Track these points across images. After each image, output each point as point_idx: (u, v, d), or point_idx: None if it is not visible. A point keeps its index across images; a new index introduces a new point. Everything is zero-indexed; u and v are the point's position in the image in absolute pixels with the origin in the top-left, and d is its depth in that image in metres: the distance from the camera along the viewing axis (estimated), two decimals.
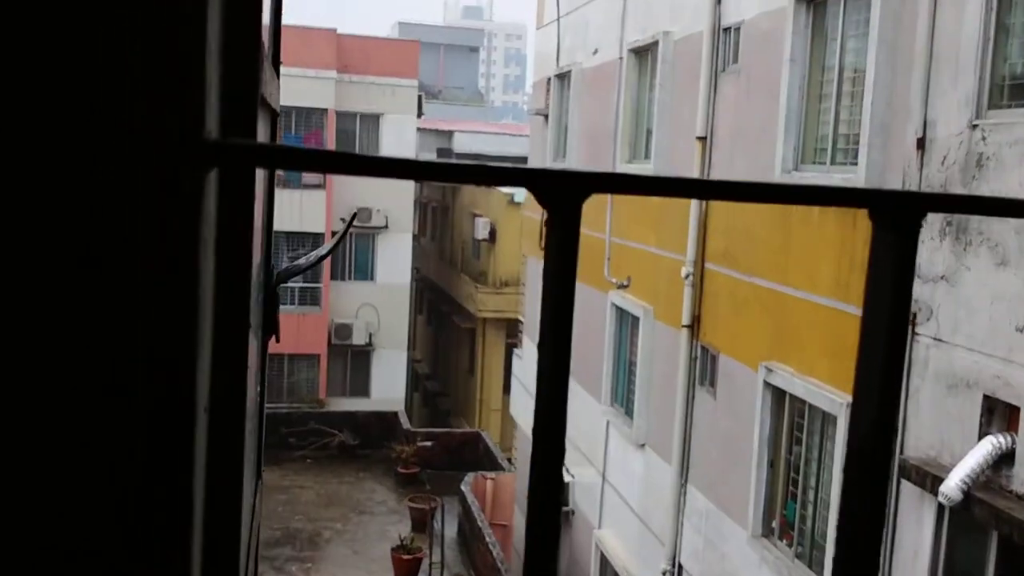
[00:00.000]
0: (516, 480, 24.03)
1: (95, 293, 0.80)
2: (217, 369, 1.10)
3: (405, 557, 22.50)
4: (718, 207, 13.01)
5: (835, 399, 10.16)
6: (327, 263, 33.07)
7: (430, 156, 43.77)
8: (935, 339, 8.71)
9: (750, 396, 12.06)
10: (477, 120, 58.36)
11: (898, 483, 8.95)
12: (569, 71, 19.59)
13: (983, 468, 7.80)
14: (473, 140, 46.34)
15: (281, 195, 30.21)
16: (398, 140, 34.75)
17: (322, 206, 33.14)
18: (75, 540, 0.82)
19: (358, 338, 34.52)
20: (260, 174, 2.10)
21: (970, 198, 0.93)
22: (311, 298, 33.99)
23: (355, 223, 33.32)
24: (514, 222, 30.14)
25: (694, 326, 13.81)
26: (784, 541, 11.53)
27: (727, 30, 13.23)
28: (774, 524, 11.76)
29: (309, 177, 32.30)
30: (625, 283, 16.03)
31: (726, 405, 12.94)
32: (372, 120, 35.02)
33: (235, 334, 1.31)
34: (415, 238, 38.53)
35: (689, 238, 13.75)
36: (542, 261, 0.79)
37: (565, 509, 18.92)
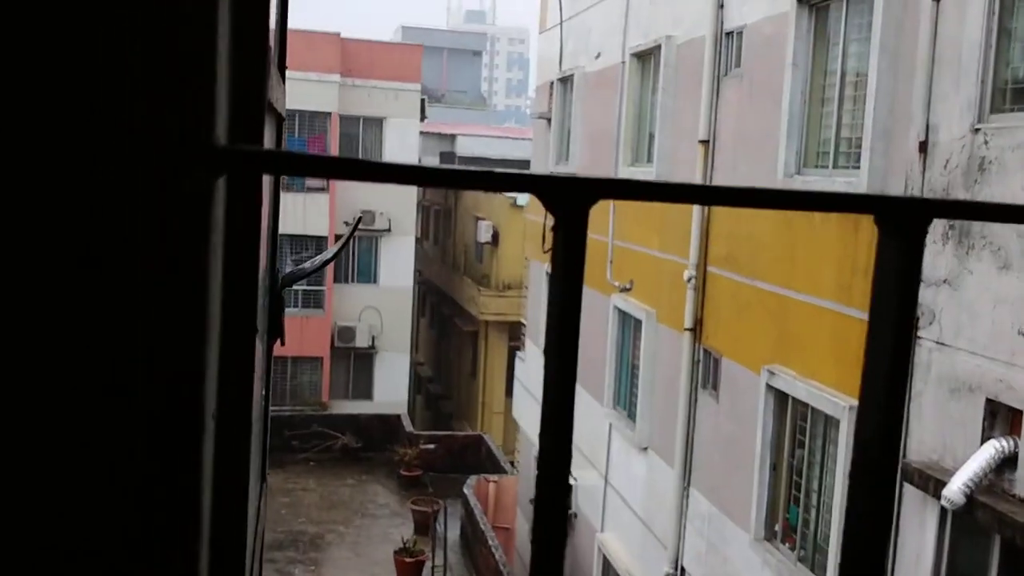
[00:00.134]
0: (518, 483, 24.01)
1: (95, 293, 0.80)
2: (224, 373, 1.10)
3: (407, 560, 22.49)
4: (721, 211, 13.01)
5: (838, 402, 10.15)
6: (330, 266, 33.07)
7: (433, 159, 43.83)
8: (938, 343, 8.71)
9: (752, 399, 12.05)
10: (480, 124, 58.38)
11: (901, 487, 8.95)
12: (572, 75, 19.60)
13: (986, 472, 7.79)
14: (476, 143, 46.36)
15: (285, 198, 30.11)
16: (401, 144, 34.76)
17: (326, 209, 33.16)
18: (75, 540, 0.81)
19: (361, 341, 34.52)
20: (266, 179, 2.11)
21: (975, 204, 0.94)
22: (314, 301, 34.01)
23: (359, 226, 33.28)
24: (517, 225, 30.12)
25: (696, 329, 13.81)
26: (786, 544, 11.52)
27: (729, 34, 13.23)
28: (776, 527, 11.76)
29: (313, 180, 32.30)
30: (628, 286, 16.02)
31: (728, 408, 12.93)
32: (375, 124, 35.05)
33: (242, 339, 1.32)
34: (418, 241, 38.53)
35: (692, 241, 13.75)
36: (544, 264, 0.79)
37: (568, 512, 18.87)
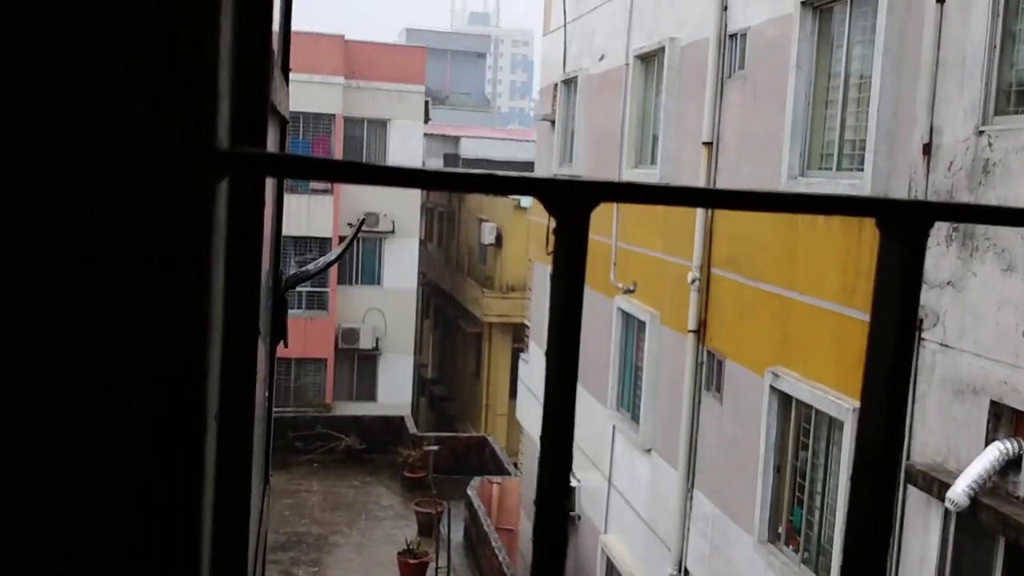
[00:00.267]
0: (522, 484, 24.02)
1: (95, 293, 0.80)
2: (226, 374, 1.10)
3: (411, 561, 22.50)
4: (724, 213, 13.01)
5: (842, 404, 10.14)
6: (334, 267, 33.10)
7: (437, 161, 43.87)
8: (942, 345, 8.70)
9: (756, 401, 12.05)
10: (484, 125, 58.42)
11: (905, 489, 8.94)
12: (576, 77, 19.60)
13: (990, 474, 7.79)
14: (480, 145, 46.40)
15: (289, 200, 30.13)
16: (405, 146, 34.81)
17: (330, 211, 33.20)
18: (75, 540, 0.81)
19: (365, 342, 34.55)
20: (269, 181, 2.11)
21: (976, 207, 0.94)
22: (318, 302, 34.04)
23: (362, 228, 33.36)
24: (520, 227, 30.13)
25: (700, 331, 13.81)
26: (790, 547, 11.51)
27: (733, 36, 13.23)
28: (780, 529, 11.75)
29: (317, 183, 32.35)
30: (631, 288, 16.02)
31: (732, 410, 12.92)
32: (379, 126, 35.08)
33: (244, 340, 1.32)
34: (422, 243, 38.54)
35: (695, 243, 13.75)
36: (548, 266, 0.79)
37: (571, 513, 18.92)
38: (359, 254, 34.95)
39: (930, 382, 8.80)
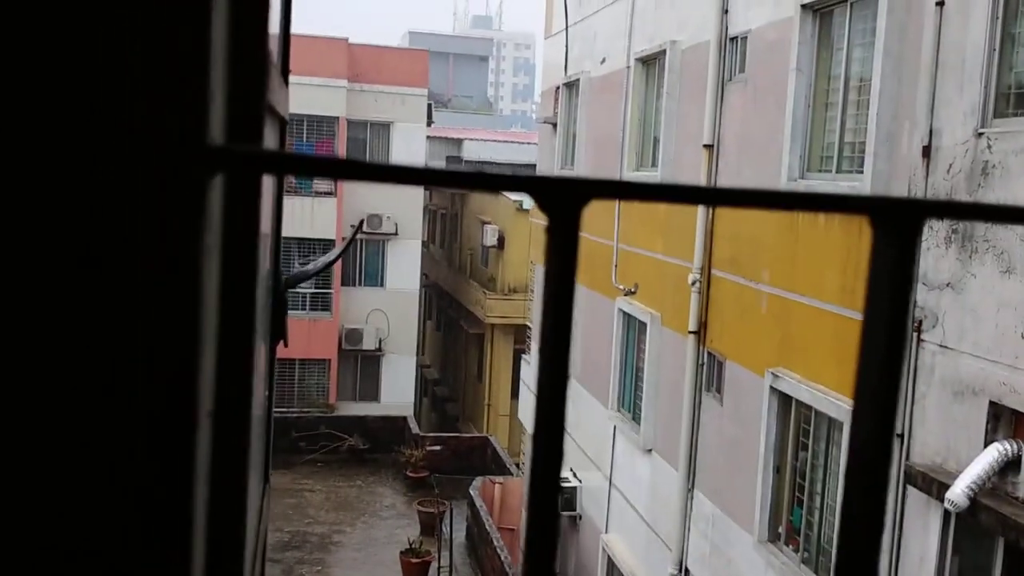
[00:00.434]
0: (524, 484, 24.01)
1: (95, 293, 0.80)
2: (222, 373, 1.11)
3: (414, 561, 22.50)
4: (724, 214, 13.01)
5: (841, 405, 10.15)
6: (338, 269, 33.15)
7: (439, 164, 43.82)
8: (941, 346, 8.70)
9: (756, 402, 12.05)
10: (486, 128, 58.37)
11: (904, 489, 8.94)
12: (577, 80, 19.60)
13: (989, 475, 7.79)
14: (482, 148, 46.38)
15: (293, 202, 30.30)
16: (408, 148, 34.85)
17: (333, 213, 33.24)
18: (75, 540, 0.81)
19: (368, 343, 34.58)
20: (269, 180, 2.11)
21: (968, 205, 0.94)
22: (322, 303, 34.08)
23: (366, 230, 33.45)
24: (522, 229, 30.14)
25: (701, 332, 13.81)
26: (790, 547, 11.52)
27: (734, 39, 13.23)
28: (780, 530, 11.75)
29: (320, 184, 32.42)
30: (632, 289, 16.03)
31: (732, 411, 12.93)
32: (382, 128, 35.13)
33: (241, 338, 1.32)
34: (424, 245, 38.58)
35: (696, 245, 13.74)
36: None
37: (572, 513, 18.93)
38: (362, 256, 35.01)
39: (929, 383, 8.80)
